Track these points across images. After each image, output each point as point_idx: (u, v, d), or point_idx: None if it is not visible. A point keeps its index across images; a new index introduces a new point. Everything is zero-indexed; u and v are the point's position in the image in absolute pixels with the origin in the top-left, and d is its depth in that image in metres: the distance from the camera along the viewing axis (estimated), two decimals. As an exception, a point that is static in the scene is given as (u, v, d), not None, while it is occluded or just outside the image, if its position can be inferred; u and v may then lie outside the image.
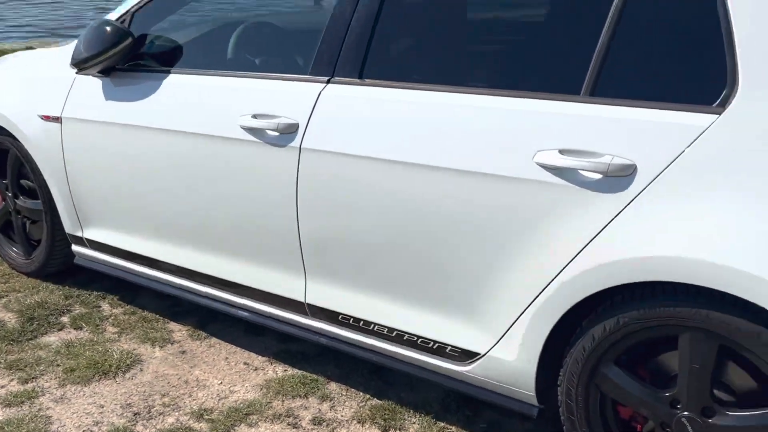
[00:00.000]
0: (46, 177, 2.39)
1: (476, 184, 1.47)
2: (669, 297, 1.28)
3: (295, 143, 1.68)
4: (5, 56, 3.07)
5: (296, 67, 2.06)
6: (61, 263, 2.63)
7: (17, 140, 2.46)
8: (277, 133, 1.71)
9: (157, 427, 1.88)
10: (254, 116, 1.74)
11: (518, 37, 2.07)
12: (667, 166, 1.24)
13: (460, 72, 1.83)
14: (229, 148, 1.84)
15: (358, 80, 1.68)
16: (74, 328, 2.36)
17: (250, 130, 1.74)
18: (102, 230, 2.36)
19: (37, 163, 2.40)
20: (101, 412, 1.91)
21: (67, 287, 2.67)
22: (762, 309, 1.16)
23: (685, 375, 1.29)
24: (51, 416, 1.88)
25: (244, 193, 1.91)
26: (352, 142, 1.64)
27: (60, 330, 2.35)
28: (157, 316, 2.51)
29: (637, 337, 1.38)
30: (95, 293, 2.64)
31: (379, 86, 1.67)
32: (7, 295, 2.55)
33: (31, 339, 2.26)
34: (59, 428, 1.87)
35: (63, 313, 2.46)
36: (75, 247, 2.44)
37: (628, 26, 1.37)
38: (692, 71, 1.34)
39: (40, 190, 2.47)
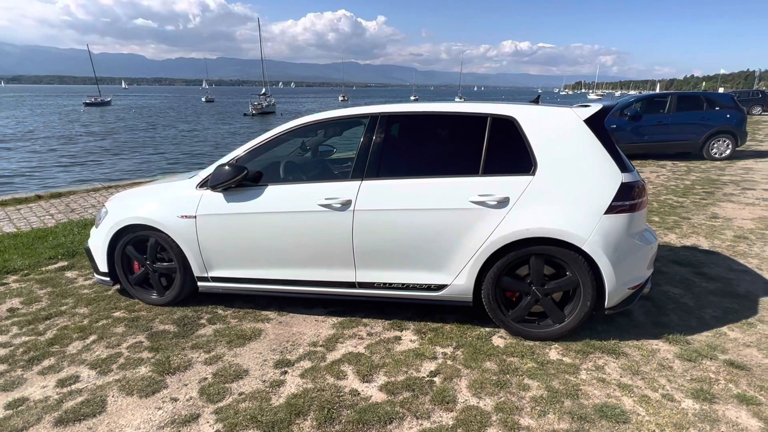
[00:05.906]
0: (182, 248, 3.50)
1: (441, 212, 3.06)
2: (525, 245, 3.01)
3: (351, 208, 3.19)
4: (127, 190, 3.98)
5: (342, 177, 3.46)
6: (185, 295, 3.73)
7: (159, 231, 3.53)
8: (340, 205, 3.20)
9: (296, 354, 3.06)
10: (326, 199, 3.22)
11: (450, 147, 3.32)
12: (520, 196, 2.97)
13: (421, 167, 3.24)
14: (310, 215, 3.27)
15: (377, 178, 3.22)
16: (211, 324, 3.49)
17: (324, 206, 3.23)
18: (221, 270, 3.55)
19: (177, 242, 3.50)
20: (263, 356, 3.05)
21: (189, 306, 3.77)
22: (563, 241, 2.92)
23: (534, 271, 3.07)
24: (245, 364, 2.95)
25: (322, 235, 3.26)
26: (376, 204, 3.16)
27: (204, 327, 3.45)
28: (252, 309, 3.73)
29: (511, 263, 3.07)
30: (209, 306, 3.77)
31: (386, 179, 3.21)
32: (158, 317, 3.57)
33: (191, 333, 3.35)
34: (247, 367, 2.91)
35: (199, 318, 3.57)
36: (200, 283, 3.61)
37: (492, 144, 3.08)
38: (521, 160, 3.04)
39: (176, 257, 3.56)
